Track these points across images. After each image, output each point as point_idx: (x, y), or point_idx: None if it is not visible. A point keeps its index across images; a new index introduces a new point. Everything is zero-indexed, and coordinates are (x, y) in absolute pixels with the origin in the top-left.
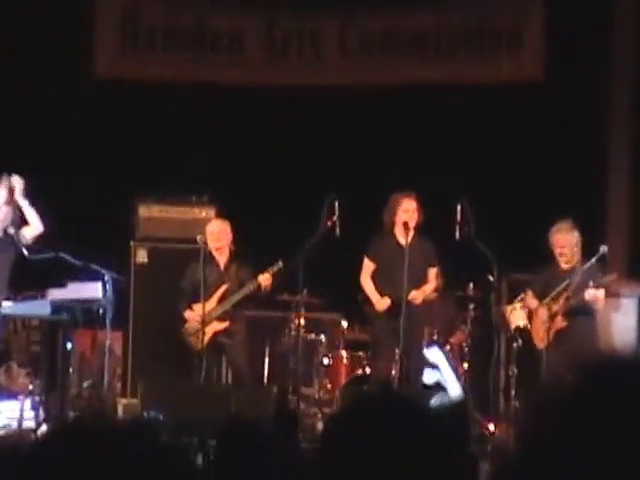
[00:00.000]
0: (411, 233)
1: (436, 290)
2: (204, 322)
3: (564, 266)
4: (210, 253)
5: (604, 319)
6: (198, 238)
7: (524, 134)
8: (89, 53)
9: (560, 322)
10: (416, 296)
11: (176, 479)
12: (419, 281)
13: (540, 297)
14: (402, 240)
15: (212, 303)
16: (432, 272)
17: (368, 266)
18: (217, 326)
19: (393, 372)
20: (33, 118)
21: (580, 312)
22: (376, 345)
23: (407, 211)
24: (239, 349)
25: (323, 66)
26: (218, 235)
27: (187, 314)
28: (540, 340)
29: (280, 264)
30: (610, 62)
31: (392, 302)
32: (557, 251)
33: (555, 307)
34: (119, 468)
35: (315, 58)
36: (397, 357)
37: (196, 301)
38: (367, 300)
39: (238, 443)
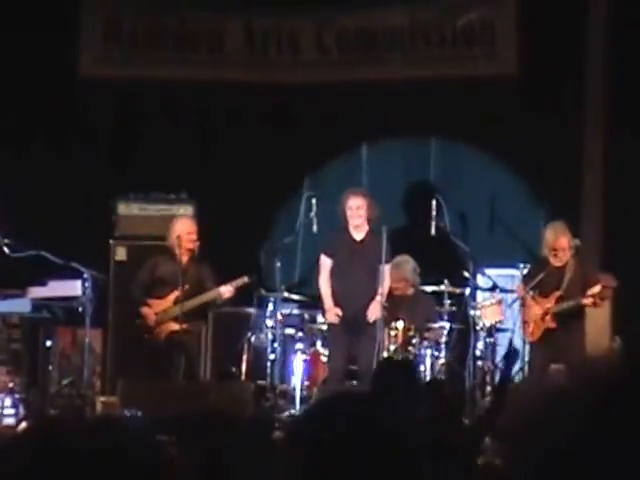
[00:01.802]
0: (365, 229)
1: (413, 286)
2: (163, 319)
3: (557, 264)
4: (172, 251)
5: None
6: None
7: (497, 129)
8: (73, 52)
9: (550, 321)
10: (373, 312)
11: (152, 476)
12: (372, 278)
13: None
14: (356, 236)
15: (169, 302)
16: (386, 269)
17: (325, 263)
18: (173, 326)
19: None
20: (17, 117)
21: (571, 315)
22: (330, 348)
23: (351, 208)
24: (194, 346)
25: (301, 64)
26: (194, 235)
27: (144, 310)
28: (529, 334)
29: (245, 279)
30: (583, 58)
31: (344, 316)
32: (555, 252)
33: (547, 305)
34: (94, 466)
35: (293, 56)
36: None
37: (153, 296)
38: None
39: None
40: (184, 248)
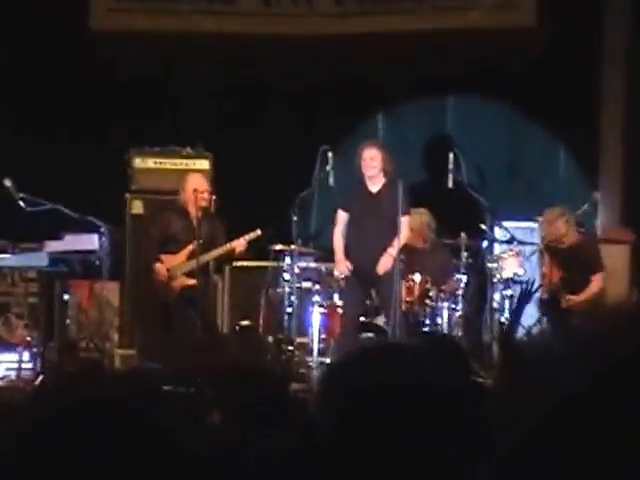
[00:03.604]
0: (381, 181)
1: (425, 241)
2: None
3: (561, 246)
4: (184, 207)
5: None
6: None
7: (517, 83)
8: (84, 5)
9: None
10: (383, 264)
11: (180, 427)
12: (388, 230)
13: None
14: (372, 188)
15: (182, 257)
16: (403, 220)
17: (340, 217)
18: (185, 281)
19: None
20: (28, 71)
21: (580, 285)
22: (345, 300)
23: (365, 159)
24: (208, 301)
25: (317, 15)
26: (207, 193)
27: (156, 266)
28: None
29: (258, 232)
30: (603, 6)
31: (358, 269)
32: (554, 241)
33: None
34: (113, 420)
35: (309, 8)
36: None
37: (165, 252)
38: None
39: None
40: (197, 205)
